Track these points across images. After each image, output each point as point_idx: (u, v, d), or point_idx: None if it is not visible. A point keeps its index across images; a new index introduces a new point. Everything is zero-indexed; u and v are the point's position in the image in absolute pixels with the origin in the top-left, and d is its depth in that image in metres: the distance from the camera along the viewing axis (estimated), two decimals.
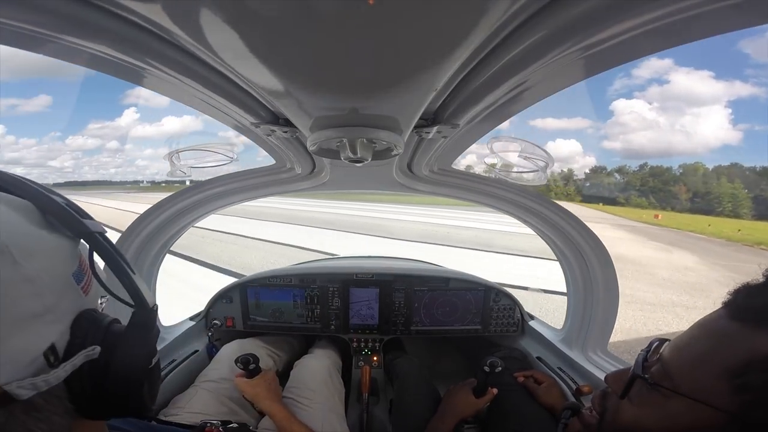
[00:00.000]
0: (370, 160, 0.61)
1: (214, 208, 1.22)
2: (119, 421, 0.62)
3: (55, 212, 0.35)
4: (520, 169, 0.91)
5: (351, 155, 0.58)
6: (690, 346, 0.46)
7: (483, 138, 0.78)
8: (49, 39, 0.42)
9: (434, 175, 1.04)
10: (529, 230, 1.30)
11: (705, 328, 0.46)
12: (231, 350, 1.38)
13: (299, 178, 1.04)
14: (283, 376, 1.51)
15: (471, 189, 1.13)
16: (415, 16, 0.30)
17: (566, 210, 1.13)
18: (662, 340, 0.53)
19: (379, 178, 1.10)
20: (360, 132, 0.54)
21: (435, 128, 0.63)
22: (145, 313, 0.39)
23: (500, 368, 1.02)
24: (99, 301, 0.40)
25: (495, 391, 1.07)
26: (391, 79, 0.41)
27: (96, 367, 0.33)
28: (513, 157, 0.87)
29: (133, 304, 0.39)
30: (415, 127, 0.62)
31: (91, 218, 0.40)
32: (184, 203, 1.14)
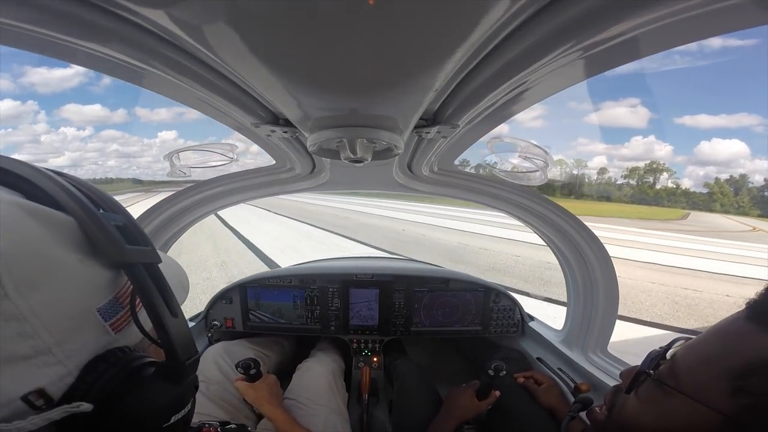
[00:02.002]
0: (370, 160, 0.61)
1: (214, 208, 1.22)
2: None
3: (92, 234, 0.31)
4: (521, 169, 0.91)
5: (351, 155, 0.58)
6: (701, 345, 0.45)
7: (483, 138, 0.78)
8: (48, 39, 0.42)
9: (434, 175, 1.04)
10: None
11: (720, 328, 0.44)
12: (215, 352, 1.34)
13: (299, 178, 1.04)
14: (277, 376, 1.51)
15: (471, 189, 1.13)
16: (415, 16, 0.30)
17: (566, 210, 1.13)
18: (686, 338, 0.51)
19: (379, 178, 1.10)
20: (360, 132, 0.54)
21: (435, 128, 0.63)
22: (175, 366, 0.34)
23: (504, 372, 1.02)
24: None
25: (497, 393, 1.07)
26: (391, 80, 0.41)
27: (97, 418, 0.29)
28: (513, 157, 0.87)
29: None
30: (415, 128, 0.62)
31: (146, 245, 0.35)
32: (184, 203, 1.14)
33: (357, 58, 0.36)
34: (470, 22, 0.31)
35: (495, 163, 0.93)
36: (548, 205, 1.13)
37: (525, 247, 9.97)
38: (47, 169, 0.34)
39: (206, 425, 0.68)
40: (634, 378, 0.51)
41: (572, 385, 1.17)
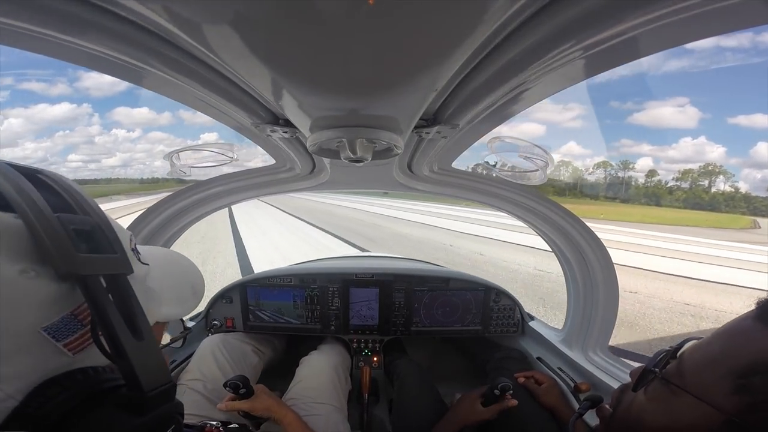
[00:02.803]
0: (370, 160, 0.61)
1: (213, 208, 1.22)
2: None
3: (40, 241, 0.27)
4: (521, 169, 0.91)
5: (351, 155, 0.58)
6: (709, 344, 0.45)
7: (483, 138, 0.78)
8: (48, 39, 0.42)
9: (434, 174, 1.04)
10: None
11: (729, 327, 0.44)
12: (213, 344, 1.30)
13: (299, 177, 1.04)
14: (269, 373, 1.51)
15: (471, 188, 1.13)
16: (416, 16, 0.30)
17: (567, 209, 1.13)
18: (697, 339, 0.50)
19: (379, 178, 1.10)
20: (360, 132, 0.54)
21: (435, 128, 0.63)
22: (137, 396, 0.29)
23: (511, 392, 1.00)
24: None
25: (515, 402, 1.04)
26: (391, 80, 0.41)
27: None
28: (514, 157, 0.87)
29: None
30: (415, 128, 0.62)
31: (113, 252, 0.31)
32: (183, 203, 1.14)
33: (357, 59, 0.36)
34: (470, 22, 0.31)
35: (495, 162, 0.93)
36: (548, 204, 1.13)
37: (643, 277, 6.30)
38: (14, 164, 0.30)
39: (208, 425, 0.68)
40: (641, 376, 0.51)
41: (572, 384, 1.17)
